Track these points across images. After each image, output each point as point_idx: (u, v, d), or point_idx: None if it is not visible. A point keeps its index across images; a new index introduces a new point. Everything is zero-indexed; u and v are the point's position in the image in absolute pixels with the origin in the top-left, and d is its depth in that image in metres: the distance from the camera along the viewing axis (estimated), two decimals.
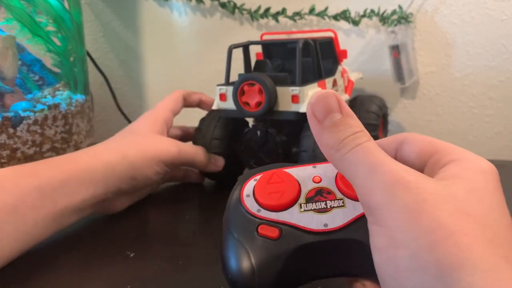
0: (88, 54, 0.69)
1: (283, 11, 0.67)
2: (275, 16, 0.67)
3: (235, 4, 0.68)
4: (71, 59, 0.63)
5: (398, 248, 0.16)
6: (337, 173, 0.22)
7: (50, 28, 0.60)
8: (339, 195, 0.21)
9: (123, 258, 0.36)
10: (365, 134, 0.19)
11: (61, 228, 0.37)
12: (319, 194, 0.21)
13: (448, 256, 0.15)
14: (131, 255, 0.36)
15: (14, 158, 0.54)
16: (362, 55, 0.63)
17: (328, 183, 0.22)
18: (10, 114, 0.53)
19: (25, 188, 0.33)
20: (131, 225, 0.43)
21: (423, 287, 0.16)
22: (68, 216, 0.37)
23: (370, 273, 0.18)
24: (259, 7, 0.67)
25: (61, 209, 0.35)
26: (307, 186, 0.22)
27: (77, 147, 0.61)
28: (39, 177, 0.35)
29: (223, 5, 0.68)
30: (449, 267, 0.15)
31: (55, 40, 0.61)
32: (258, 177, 0.23)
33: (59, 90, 0.62)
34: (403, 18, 0.63)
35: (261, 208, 0.21)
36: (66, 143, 0.59)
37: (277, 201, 0.21)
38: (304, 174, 0.22)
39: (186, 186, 0.54)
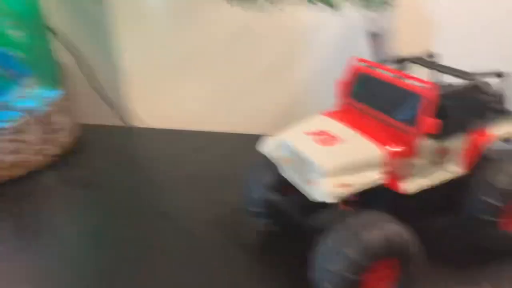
0: (56, 35, 0.65)
1: None
2: None
3: None
4: (37, 54, 0.59)
5: None
6: None
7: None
8: None
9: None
10: None
11: None
12: None
13: None
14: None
15: None
16: (341, 40, 0.62)
17: None
18: None
19: None
20: (131, 226, 0.45)
21: None
22: None
23: None
24: None
25: None
26: None
27: (63, 148, 0.62)
28: None
29: None
30: None
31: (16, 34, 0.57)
32: None
33: (30, 90, 0.60)
34: (385, 3, 0.61)
35: None
36: (50, 144, 0.59)
37: None
38: None
39: (188, 186, 0.54)
